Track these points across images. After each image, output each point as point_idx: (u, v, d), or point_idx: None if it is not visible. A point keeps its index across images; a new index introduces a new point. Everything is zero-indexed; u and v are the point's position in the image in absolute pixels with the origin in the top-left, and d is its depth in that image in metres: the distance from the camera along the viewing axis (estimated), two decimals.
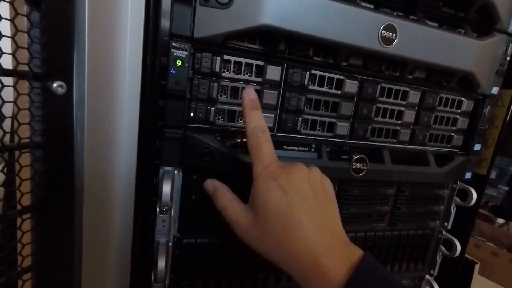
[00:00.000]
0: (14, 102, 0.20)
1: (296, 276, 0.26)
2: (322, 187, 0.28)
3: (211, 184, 0.31)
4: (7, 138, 0.21)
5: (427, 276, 0.50)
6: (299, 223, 0.25)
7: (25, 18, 0.20)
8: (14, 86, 0.20)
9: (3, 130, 0.19)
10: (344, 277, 0.24)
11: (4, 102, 0.19)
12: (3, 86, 0.18)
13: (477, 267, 0.52)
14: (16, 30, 0.19)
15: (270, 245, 0.26)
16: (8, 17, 0.18)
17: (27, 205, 0.23)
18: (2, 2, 0.18)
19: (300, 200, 0.26)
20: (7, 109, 0.20)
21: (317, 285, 0.25)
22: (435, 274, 0.50)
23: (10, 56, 0.19)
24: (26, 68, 0.20)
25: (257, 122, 0.28)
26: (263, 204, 0.26)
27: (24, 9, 0.20)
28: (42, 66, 0.21)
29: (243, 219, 0.27)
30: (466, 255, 0.50)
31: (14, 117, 0.20)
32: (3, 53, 0.18)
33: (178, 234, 0.34)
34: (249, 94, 0.29)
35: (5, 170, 0.20)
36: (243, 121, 0.29)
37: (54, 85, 0.21)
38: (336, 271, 0.24)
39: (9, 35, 0.19)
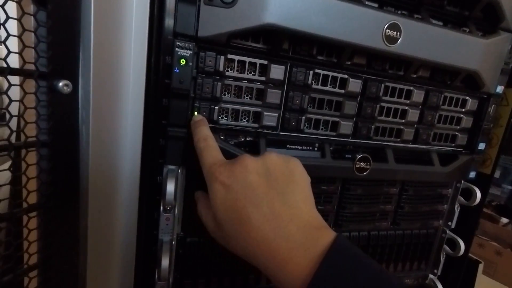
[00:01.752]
0: (21, 101, 0.20)
1: (264, 271, 0.25)
2: (277, 171, 0.26)
3: (196, 194, 0.32)
4: (13, 136, 0.21)
5: (431, 276, 0.49)
6: (247, 216, 0.24)
7: (32, 17, 0.20)
8: (21, 85, 0.20)
9: (10, 128, 0.19)
10: (310, 268, 0.22)
11: (11, 101, 0.19)
12: (11, 85, 0.18)
13: (481, 266, 0.52)
14: (23, 29, 0.19)
15: (231, 242, 0.26)
16: (16, 17, 0.18)
17: (33, 203, 0.23)
18: (9, 1, 0.18)
19: (244, 193, 0.25)
20: (14, 108, 0.20)
21: (282, 279, 0.23)
22: (439, 273, 0.50)
23: (17, 55, 0.19)
24: (32, 67, 0.20)
25: (200, 134, 0.29)
26: (214, 205, 0.26)
27: (31, 8, 0.20)
28: (48, 65, 0.21)
29: (210, 222, 0.28)
30: (470, 254, 0.50)
31: (20, 115, 0.20)
32: (10, 52, 0.18)
33: (181, 233, 0.34)
34: (194, 118, 0.30)
35: (11, 169, 0.21)
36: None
37: (60, 84, 0.21)
38: (295, 264, 0.23)
39: (17, 34, 0.19)
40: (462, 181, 0.46)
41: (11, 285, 0.22)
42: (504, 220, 1.40)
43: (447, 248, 0.48)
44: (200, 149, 0.28)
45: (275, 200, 0.25)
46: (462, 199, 0.47)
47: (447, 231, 0.48)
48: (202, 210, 0.30)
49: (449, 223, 0.48)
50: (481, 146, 0.44)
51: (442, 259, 0.49)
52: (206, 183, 0.27)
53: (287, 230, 0.24)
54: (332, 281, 0.22)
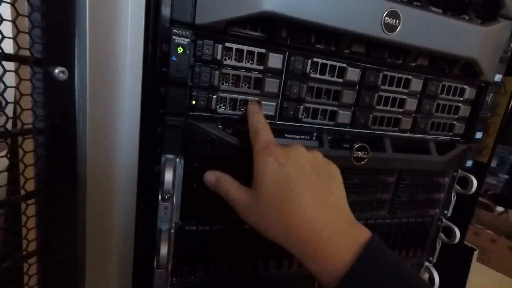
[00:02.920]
0: (16, 87, 0.20)
1: (298, 253, 0.25)
2: (324, 168, 0.29)
3: (213, 174, 0.31)
4: (10, 124, 0.21)
5: (426, 263, 0.50)
6: (297, 193, 0.25)
7: (26, 1, 0.19)
8: (16, 71, 0.19)
9: (6, 115, 0.19)
10: (349, 256, 0.23)
11: (6, 87, 0.18)
12: (5, 71, 0.18)
13: (475, 254, 0.53)
14: (17, 13, 0.19)
15: (269, 219, 0.26)
16: (9, 1, 0.18)
17: (31, 190, 0.23)
18: None
19: (297, 173, 0.26)
20: (10, 95, 0.20)
21: (319, 262, 0.24)
22: (434, 260, 0.50)
23: (11, 41, 0.19)
24: (27, 53, 0.20)
25: (258, 118, 0.30)
26: (261, 178, 0.27)
27: None
28: (44, 51, 0.21)
29: (245, 197, 0.28)
30: (465, 242, 0.51)
31: (16, 102, 0.20)
32: (4, 37, 0.18)
33: (180, 222, 0.34)
34: (254, 105, 0.32)
35: (8, 156, 0.21)
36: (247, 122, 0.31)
37: (56, 70, 0.21)
38: (339, 247, 0.23)
39: (10, 19, 0.18)
40: (459, 170, 0.47)
41: (10, 271, 0.22)
42: (500, 209, 1.41)
43: (442, 236, 0.49)
44: (258, 129, 0.29)
45: (323, 188, 0.27)
46: (458, 187, 0.47)
47: (443, 219, 0.48)
48: (231, 186, 0.29)
49: (445, 212, 0.48)
50: (478, 135, 0.44)
51: (438, 247, 0.50)
52: (255, 157, 0.28)
53: (333, 216, 0.25)
54: (372, 269, 0.22)
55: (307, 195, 0.25)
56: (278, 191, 0.26)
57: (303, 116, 0.35)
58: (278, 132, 0.35)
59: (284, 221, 0.25)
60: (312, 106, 0.35)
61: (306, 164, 0.27)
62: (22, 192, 0.22)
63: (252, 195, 0.27)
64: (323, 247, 0.24)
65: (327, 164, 0.29)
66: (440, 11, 0.38)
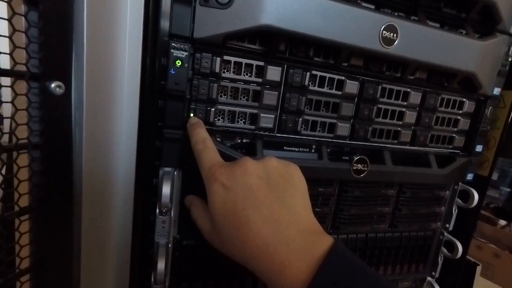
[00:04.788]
0: (12, 102, 0.20)
1: (259, 276, 0.24)
2: (277, 176, 0.26)
3: (187, 199, 0.32)
4: (5, 138, 0.20)
5: (429, 278, 0.49)
6: (245, 218, 0.24)
7: (23, 18, 0.19)
8: (11, 86, 0.19)
9: (0, 131, 0.19)
10: (306, 275, 0.22)
11: (1, 102, 0.18)
12: (1, 86, 0.18)
13: (479, 269, 0.52)
14: (13, 29, 0.19)
15: (228, 247, 0.26)
16: (6, 17, 0.18)
17: (25, 206, 0.23)
18: None
19: (244, 195, 0.24)
20: (5, 110, 0.19)
21: (280, 284, 0.23)
22: (437, 275, 0.49)
23: (7, 56, 0.19)
24: (24, 68, 0.20)
25: (197, 137, 0.29)
26: (212, 208, 0.26)
27: (22, 8, 0.20)
28: (40, 66, 0.21)
29: (207, 226, 0.28)
30: (468, 256, 0.50)
31: (11, 117, 0.20)
32: (0, 53, 0.18)
33: (178, 236, 0.33)
34: (191, 120, 0.30)
35: (2, 171, 0.20)
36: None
37: (52, 85, 0.21)
38: (294, 268, 0.22)
39: (7, 34, 0.19)
40: (460, 183, 0.46)
41: None
42: (502, 222, 1.40)
43: (445, 250, 0.48)
44: (199, 151, 0.28)
45: (274, 203, 0.25)
46: (459, 201, 0.47)
47: (445, 234, 0.48)
48: (197, 214, 0.29)
49: (447, 225, 0.47)
50: (479, 148, 0.44)
51: (440, 262, 0.49)
52: (205, 184, 0.27)
53: (286, 233, 0.24)
54: (331, 285, 0.21)
55: (256, 219, 0.24)
56: (229, 220, 0.25)
57: (302, 129, 0.35)
58: (277, 145, 0.35)
59: (240, 249, 0.24)
60: (311, 118, 0.35)
61: (253, 181, 0.25)
62: (16, 208, 0.22)
63: (211, 224, 0.27)
64: (279, 271, 0.23)
65: (281, 170, 0.27)
66: (437, 25, 0.38)
